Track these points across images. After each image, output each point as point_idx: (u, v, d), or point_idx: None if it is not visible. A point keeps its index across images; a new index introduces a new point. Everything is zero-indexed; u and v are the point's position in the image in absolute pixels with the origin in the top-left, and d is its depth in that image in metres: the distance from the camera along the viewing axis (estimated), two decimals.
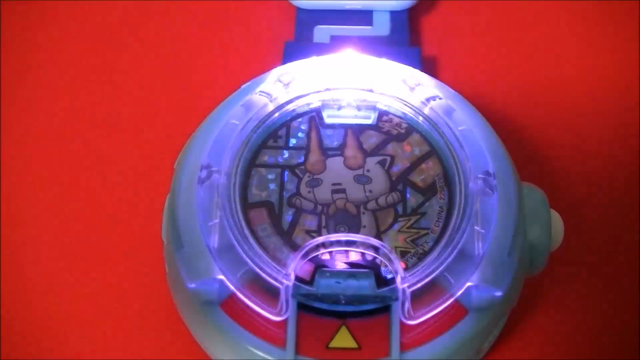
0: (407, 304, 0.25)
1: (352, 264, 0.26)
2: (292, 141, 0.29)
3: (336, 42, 0.34)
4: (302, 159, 0.28)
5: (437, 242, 0.26)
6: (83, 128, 0.35)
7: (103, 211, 0.33)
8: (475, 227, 0.26)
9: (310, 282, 0.26)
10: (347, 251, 0.26)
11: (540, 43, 0.37)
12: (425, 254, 0.26)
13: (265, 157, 0.28)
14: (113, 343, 0.31)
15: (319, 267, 0.26)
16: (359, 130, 0.29)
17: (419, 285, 0.25)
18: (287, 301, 0.25)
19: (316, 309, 0.26)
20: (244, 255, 0.26)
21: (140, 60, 0.37)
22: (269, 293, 0.26)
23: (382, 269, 0.26)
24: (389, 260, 0.26)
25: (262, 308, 0.25)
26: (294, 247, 0.26)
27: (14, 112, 0.35)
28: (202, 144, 0.28)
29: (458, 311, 0.26)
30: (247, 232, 0.26)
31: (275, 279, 0.25)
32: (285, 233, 0.27)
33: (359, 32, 0.35)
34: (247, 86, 0.29)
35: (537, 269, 0.28)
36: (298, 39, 0.35)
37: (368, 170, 0.28)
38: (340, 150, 0.28)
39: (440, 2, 0.38)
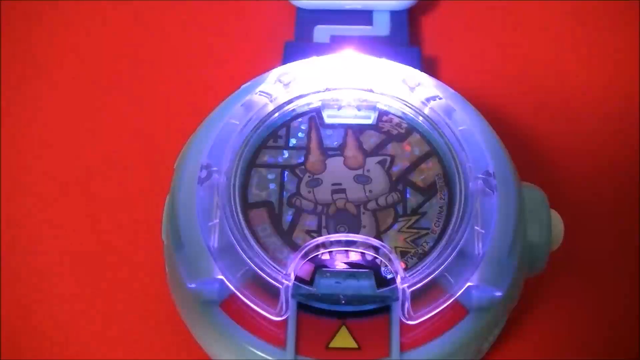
0: (407, 304, 0.25)
1: (352, 264, 0.26)
2: (292, 141, 0.29)
3: (336, 42, 0.34)
4: (302, 159, 0.28)
5: (437, 242, 0.26)
6: (83, 128, 0.35)
7: (103, 211, 0.33)
8: (475, 227, 0.26)
9: (310, 282, 0.26)
10: (347, 251, 0.26)
11: (540, 43, 0.37)
12: (425, 254, 0.26)
13: (265, 157, 0.28)
14: (113, 343, 0.31)
15: (319, 267, 0.26)
16: (359, 130, 0.29)
17: (419, 285, 0.25)
18: (287, 301, 0.25)
19: (316, 309, 0.26)
20: (244, 255, 0.26)
21: (140, 60, 0.37)
22: (269, 293, 0.26)
23: (382, 269, 0.26)
24: (389, 260, 0.26)
25: (262, 308, 0.25)
26: (294, 247, 0.26)
27: (14, 112, 0.35)
28: (202, 144, 0.28)
29: (458, 311, 0.26)
30: (247, 232, 0.26)
31: (275, 279, 0.25)
32: (285, 233, 0.27)
33: (359, 32, 0.35)
34: (247, 86, 0.29)
35: (537, 269, 0.28)
36: (298, 39, 0.35)
37: (368, 170, 0.28)
38: (340, 150, 0.28)
39: (440, 2, 0.38)
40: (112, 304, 0.31)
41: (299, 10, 0.35)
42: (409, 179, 0.28)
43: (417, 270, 0.26)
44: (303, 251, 0.26)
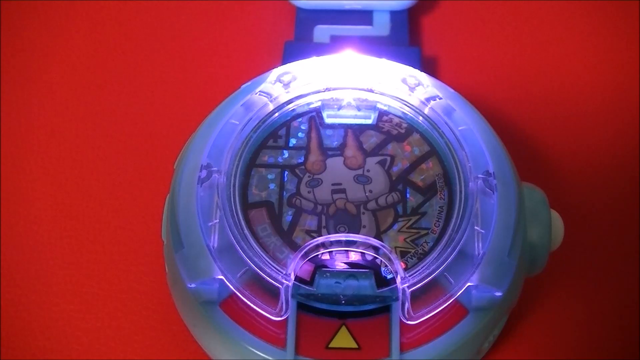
0: (407, 304, 0.25)
1: (352, 264, 0.26)
2: (292, 141, 0.29)
3: (336, 42, 0.34)
4: (302, 159, 0.28)
5: (437, 242, 0.26)
6: (83, 128, 0.35)
7: (103, 211, 0.33)
8: (475, 227, 0.26)
9: (310, 282, 0.26)
10: (347, 251, 0.26)
11: (541, 43, 0.37)
12: (425, 254, 0.26)
13: (265, 157, 0.28)
14: (113, 343, 0.31)
15: (319, 267, 0.26)
16: (359, 130, 0.29)
17: (419, 285, 0.25)
18: (287, 301, 0.25)
19: (316, 309, 0.26)
20: (244, 255, 0.26)
21: (140, 60, 0.37)
22: (269, 293, 0.26)
23: (382, 269, 0.26)
24: (389, 260, 0.26)
25: (262, 308, 0.25)
26: (294, 247, 0.26)
27: (14, 112, 0.35)
28: (202, 144, 0.28)
29: (458, 311, 0.26)
30: (247, 232, 0.26)
31: (275, 279, 0.25)
32: (285, 233, 0.27)
33: (359, 32, 0.35)
34: (247, 86, 0.29)
35: (537, 269, 0.28)
36: (298, 39, 0.35)
37: (368, 170, 0.28)
38: (340, 150, 0.28)
39: (440, 2, 0.38)
40: (112, 304, 0.31)
41: (299, 10, 0.35)
42: (409, 179, 0.28)
43: (417, 270, 0.26)
44: (303, 251, 0.26)
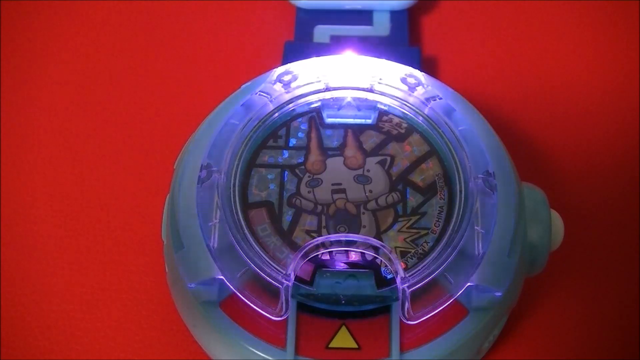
0: (407, 304, 0.25)
1: (352, 264, 0.26)
2: (292, 141, 0.29)
3: (336, 42, 0.34)
4: (302, 159, 0.28)
5: (437, 242, 0.26)
6: (83, 128, 0.35)
7: (103, 211, 0.33)
8: (475, 227, 0.26)
9: (310, 283, 0.26)
10: (347, 251, 0.26)
11: (541, 43, 0.37)
12: (425, 254, 0.26)
13: (265, 157, 0.28)
14: (113, 343, 0.31)
15: (319, 267, 0.26)
16: (359, 130, 0.29)
17: (419, 285, 0.25)
18: (287, 301, 0.25)
19: (316, 309, 0.26)
20: (244, 255, 0.26)
21: (140, 60, 0.37)
22: (268, 293, 0.26)
23: (382, 269, 0.26)
24: (389, 260, 0.26)
25: (262, 308, 0.25)
26: (294, 247, 0.26)
27: (14, 112, 0.35)
28: (202, 144, 0.28)
29: (458, 311, 0.26)
30: (247, 232, 0.26)
31: (275, 279, 0.25)
32: (285, 233, 0.27)
33: (359, 32, 0.35)
34: (247, 86, 0.29)
35: (537, 269, 0.28)
36: (298, 39, 0.35)
37: (368, 170, 0.28)
38: (340, 150, 0.28)
39: (440, 2, 0.38)
40: (112, 303, 0.31)
41: (299, 10, 0.35)
42: (409, 179, 0.28)
43: (417, 270, 0.26)
44: (303, 251, 0.26)
